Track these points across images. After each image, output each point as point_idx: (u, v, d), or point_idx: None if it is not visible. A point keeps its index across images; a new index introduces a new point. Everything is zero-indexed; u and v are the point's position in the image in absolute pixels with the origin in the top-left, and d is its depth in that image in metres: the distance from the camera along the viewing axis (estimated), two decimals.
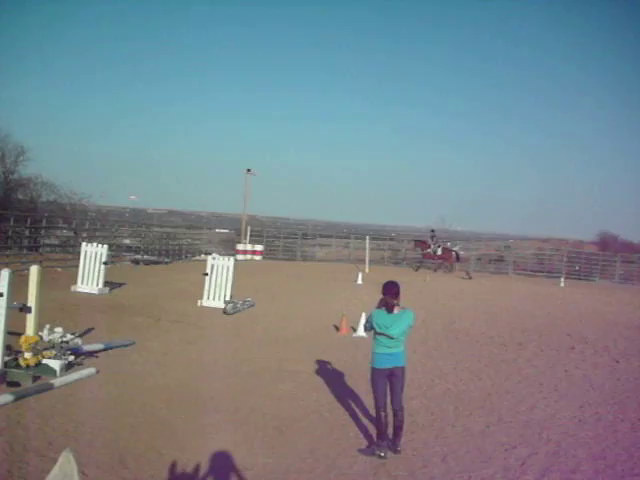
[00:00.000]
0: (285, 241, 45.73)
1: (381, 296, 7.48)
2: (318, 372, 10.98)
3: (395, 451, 7.31)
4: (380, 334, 7.24)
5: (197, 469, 6.42)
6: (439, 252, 36.95)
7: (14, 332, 9.51)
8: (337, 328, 15.19)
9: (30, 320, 9.54)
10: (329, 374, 10.88)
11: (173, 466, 6.39)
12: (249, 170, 44.04)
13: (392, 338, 7.20)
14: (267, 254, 40.83)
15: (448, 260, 36.96)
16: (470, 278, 32.30)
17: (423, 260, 37.95)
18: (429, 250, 36.76)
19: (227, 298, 17.55)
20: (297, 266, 35.50)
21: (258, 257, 38.66)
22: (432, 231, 38.24)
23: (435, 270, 35.99)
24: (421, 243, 38.32)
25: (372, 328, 7.35)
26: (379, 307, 7.41)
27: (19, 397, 8.17)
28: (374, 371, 7.34)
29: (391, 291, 7.33)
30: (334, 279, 27.84)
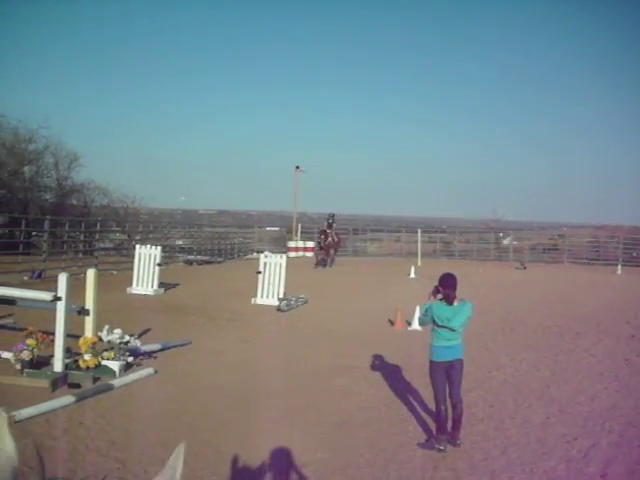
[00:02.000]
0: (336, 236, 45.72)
1: (431, 288, 7.43)
2: (374, 367, 10.94)
3: (455, 444, 7.24)
4: (441, 327, 7.17)
5: (256, 465, 6.45)
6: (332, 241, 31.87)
7: (73, 335, 9.66)
8: (391, 322, 15.12)
9: (89, 322, 9.70)
10: (385, 368, 10.83)
11: (233, 463, 6.43)
12: (298, 167, 44.10)
13: (453, 330, 7.14)
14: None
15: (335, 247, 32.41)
16: (525, 268, 31.97)
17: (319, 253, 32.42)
18: (329, 240, 31.16)
19: (280, 295, 17.61)
20: (349, 261, 35.44)
21: (310, 254, 38.70)
22: (331, 216, 32.97)
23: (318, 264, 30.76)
24: (323, 232, 31.53)
25: (432, 321, 7.28)
26: (435, 299, 7.35)
27: (80, 398, 8.31)
28: (433, 364, 7.28)
29: (449, 283, 7.26)
30: (386, 273, 27.78)
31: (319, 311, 16.89)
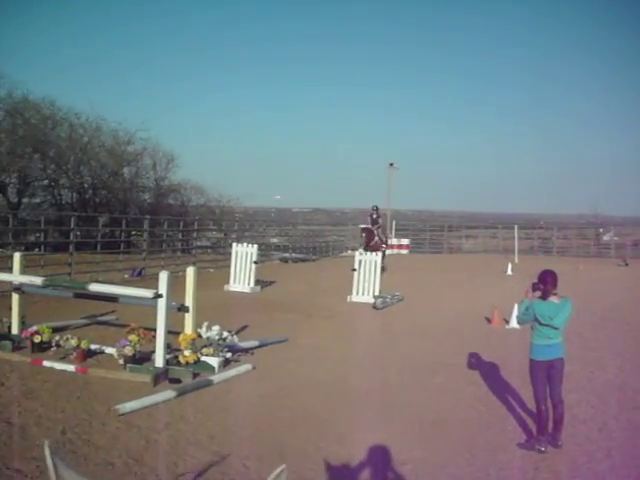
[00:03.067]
0: (431, 234, 45.44)
1: (528, 285, 7.28)
2: (471, 365, 10.80)
3: (556, 446, 7.06)
4: (544, 325, 7.01)
5: (355, 462, 6.45)
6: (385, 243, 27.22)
7: (173, 331, 9.89)
8: (488, 320, 14.92)
9: (188, 319, 9.89)
10: (483, 367, 10.68)
11: (331, 459, 6.45)
12: (392, 164, 44.01)
13: (556, 329, 6.98)
14: (413, 248, 40.67)
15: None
16: (627, 265, 30.98)
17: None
18: (376, 240, 25.71)
19: (376, 293, 17.59)
20: (444, 258, 35.16)
21: (405, 251, 38.59)
22: (375, 209, 26.86)
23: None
24: (367, 231, 26.05)
25: (534, 319, 7.11)
26: (533, 296, 7.20)
27: (181, 393, 8.49)
28: (533, 363, 7.13)
29: (549, 280, 7.09)
30: (482, 270, 27.42)
31: (415, 308, 16.81)
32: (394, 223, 42.48)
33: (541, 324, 7.04)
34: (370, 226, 26.14)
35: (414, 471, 6.38)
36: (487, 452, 6.97)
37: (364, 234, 25.73)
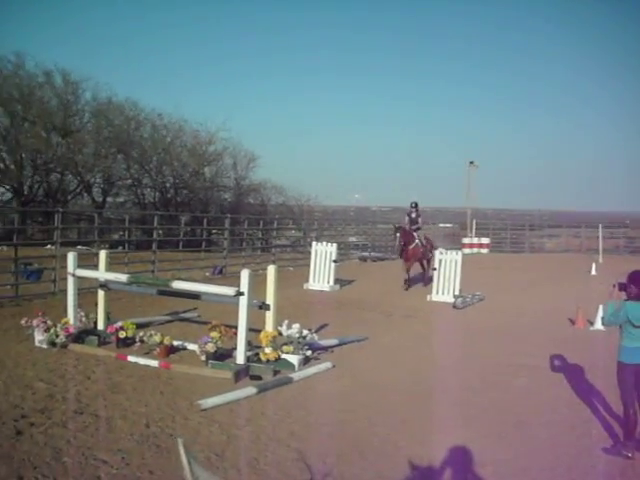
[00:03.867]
0: (512, 233, 44.72)
1: (613, 287, 7.06)
2: (554, 367, 10.56)
3: None
4: (637, 327, 6.78)
5: (435, 463, 6.39)
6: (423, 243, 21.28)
7: (253, 329, 9.97)
8: (572, 321, 14.59)
9: (269, 317, 9.96)
10: (566, 369, 10.43)
11: (412, 459, 6.40)
12: (472, 162, 43.52)
13: None
14: (494, 247, 40.11)
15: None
16: None
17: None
18: (416, 243, 20.58)
19: (456, 292, 17.42)
20: (525, 258, 34.57)
21: (485, 250, 38.07)
22: (414, 206, 21.96)
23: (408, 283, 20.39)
24: (403, 232, 20.58)
25: (626, 320, 6.88)
26: (619, 297, 6.99)
27: (261, 390, 8.56)
28: (622, 366, 6.91)
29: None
30: (565, 270, 26.82)
31: (495, 308, 16.58)
32: (474, 222, 41.97)
33: (634, 326, 6.80)
34: (407, 226, 21.35)
35: (495, 473, 6.27)
36: (570, 456, 6.80)
37: (398, 234, 20.42)
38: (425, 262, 21.41)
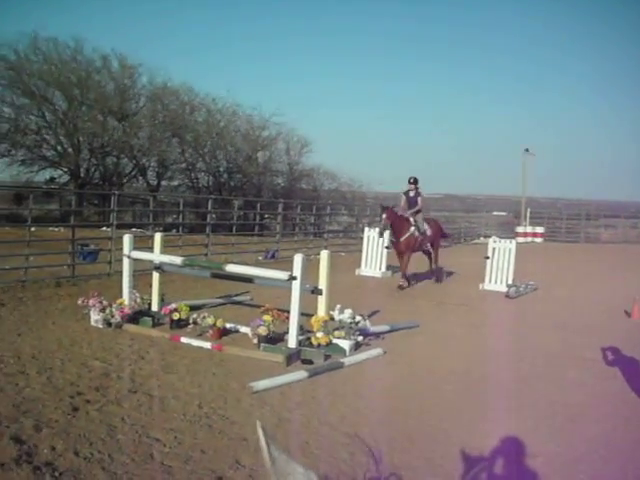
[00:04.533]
0: (567, 222, 44.06)
1: None
2: (608, 359, 10.35)
3: None
4: None
5: (485, 452, 6.34)
6: (427, 231, 17.59)
7: (305, 313, 10.00)
8: (628, 314, 14.34)
9: (321, 302, 9.97)
10: (620, 362, 10.22)
11: (462, 448, 6.36)
12: (527, 150, 42.96)
13: None
14: (548, 236, 39.60)
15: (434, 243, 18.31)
16: None
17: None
18: (413, 228, 16.96)
19: (509, 282, 17.23)
20: (580, 248, 34.06)
21: (539, 239, 37.61)
22: (413, 181, 17.29)
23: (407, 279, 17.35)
24: (392, 215, 16.50)
25: None
26: None
27: (312, 374, 8.58)
28: None
29: None
30: (622, 262, 26.37)
31: (549, 299, 16.37)
32: (529, 211, 41.48)
33: None
34: (402, 209, 17.25)
35: (546, 464, 6.19)
36: (623, 452, 6.67)
37: (384, 216, 16.41)
38: (431, 251, 18.36)
